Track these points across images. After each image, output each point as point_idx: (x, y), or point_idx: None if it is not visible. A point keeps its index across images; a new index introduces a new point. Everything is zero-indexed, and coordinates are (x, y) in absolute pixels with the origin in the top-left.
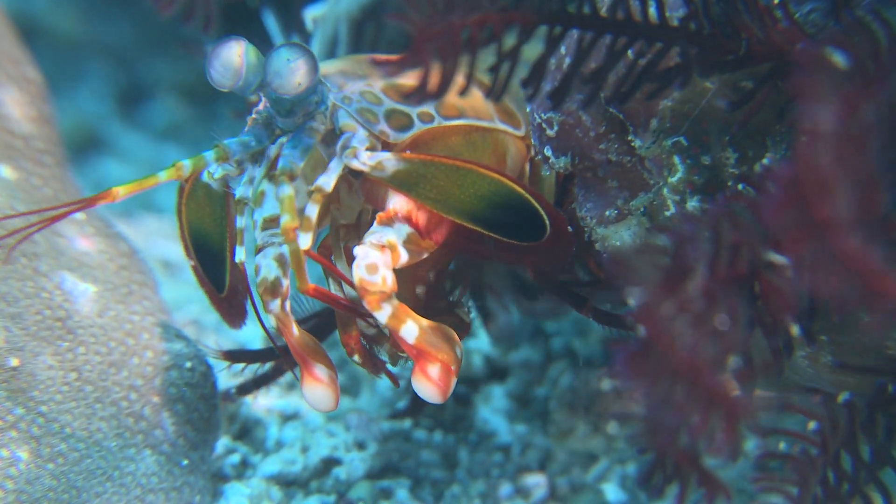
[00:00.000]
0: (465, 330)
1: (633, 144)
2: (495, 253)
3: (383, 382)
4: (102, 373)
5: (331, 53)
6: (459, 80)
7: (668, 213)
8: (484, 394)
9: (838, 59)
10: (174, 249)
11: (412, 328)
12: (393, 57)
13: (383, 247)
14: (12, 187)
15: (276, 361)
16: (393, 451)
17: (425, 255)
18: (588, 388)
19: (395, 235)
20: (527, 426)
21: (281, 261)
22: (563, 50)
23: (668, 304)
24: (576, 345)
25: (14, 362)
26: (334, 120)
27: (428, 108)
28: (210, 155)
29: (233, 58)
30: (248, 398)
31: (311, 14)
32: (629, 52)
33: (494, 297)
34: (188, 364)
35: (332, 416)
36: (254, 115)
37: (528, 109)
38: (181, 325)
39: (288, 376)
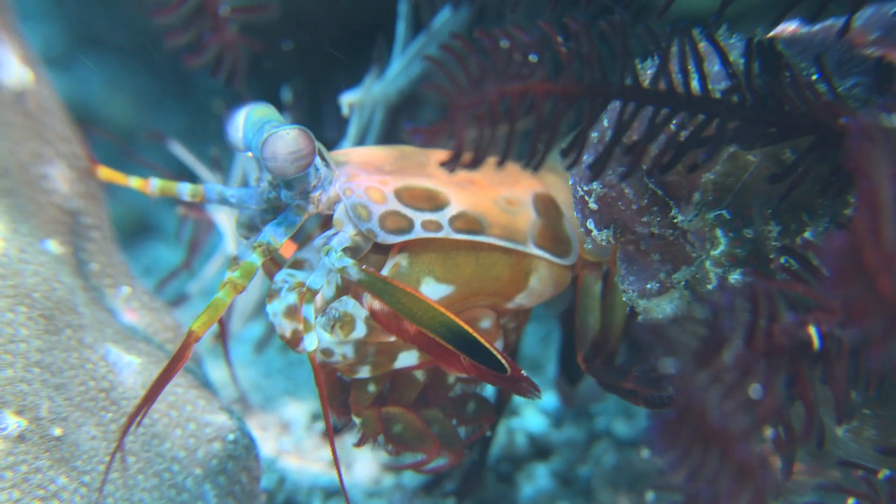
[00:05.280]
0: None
1: (675, 218)
2: (464, 366)
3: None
4: (145, 444)
5: (361, 141)
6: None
7: (710, 287)
8: (527, 472)
9: (893, 121)
10: None
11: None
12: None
13: (335, 325)
14: (59, 261)
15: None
16: None
17: (392, 339)
18: (631, 467)
19: (356, 310)
20: None
21: (291, 312)
22: (605, 123)
23: (702, 375)
24: (619, 426)
25: (57, 432)
26: (335, 207)
27: (438, 217)
28: (185, 188)
29: (239, 120)
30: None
31: (346, 99)
32: (671, 125)
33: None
34: (231, 437)
35: (374, 493)
36: (258, 177)
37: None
38: (227, 404)
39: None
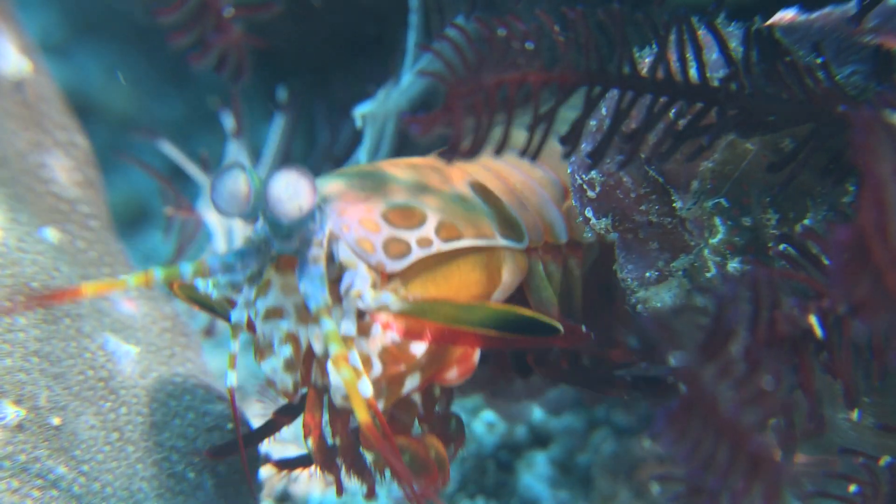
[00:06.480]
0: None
1: (674, 206)
2: (515, 343)
3: None
4: (144, 433)
5: (376, 151)
6: (490, 149)
7: (708, 275)
8: (526, 460)
9: None
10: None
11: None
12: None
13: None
14: (57, 249)
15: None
16: None
17: (402, 368)
18: (630, 455)
19: (369, 348)
20: (569, 493)
21: (290, 365)
22: (603, 111)
23: (710, 367)
24: (617, 415)
25: (56, 421)
26: (333, 249)
27: (426, 232)
28: (187, 269)
29: (239, 186)
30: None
31: (360, 112)
32: (670, 113)
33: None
34: (230, 426)
35: None
36: (250, 236)
37: (532, 212)
38: (225, 392)
39: None
